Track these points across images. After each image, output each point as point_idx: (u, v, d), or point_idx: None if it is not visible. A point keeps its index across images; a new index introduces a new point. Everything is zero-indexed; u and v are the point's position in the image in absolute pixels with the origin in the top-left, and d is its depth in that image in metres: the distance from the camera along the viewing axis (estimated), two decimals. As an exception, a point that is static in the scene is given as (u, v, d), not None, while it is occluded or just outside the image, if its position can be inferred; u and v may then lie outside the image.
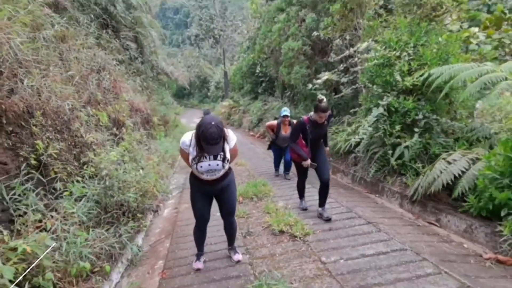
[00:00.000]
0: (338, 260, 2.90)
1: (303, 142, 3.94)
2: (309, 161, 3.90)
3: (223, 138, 2.48)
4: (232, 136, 2.68)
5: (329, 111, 3.73)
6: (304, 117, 3.94)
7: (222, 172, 2.72)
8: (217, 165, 2.62)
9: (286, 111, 5.94)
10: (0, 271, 2.04)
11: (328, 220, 3.83)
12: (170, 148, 8.98)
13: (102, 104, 5.60)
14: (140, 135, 6.82)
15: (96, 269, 2.77)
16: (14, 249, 2.35)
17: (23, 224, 2.67)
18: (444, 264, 2.67)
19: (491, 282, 2.43)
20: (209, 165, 2.61)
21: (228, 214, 3.01)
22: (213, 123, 2.36)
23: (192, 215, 3.01)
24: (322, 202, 4.04)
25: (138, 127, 7.47)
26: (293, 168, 4.90)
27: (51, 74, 4.08)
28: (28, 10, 3.97)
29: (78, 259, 2.57)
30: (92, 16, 7.11)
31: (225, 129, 2.53)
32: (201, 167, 2.61)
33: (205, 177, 2.71)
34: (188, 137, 2.63)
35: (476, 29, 6.54)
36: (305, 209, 4.32)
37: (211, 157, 2.59)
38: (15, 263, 2.25)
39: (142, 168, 5.06)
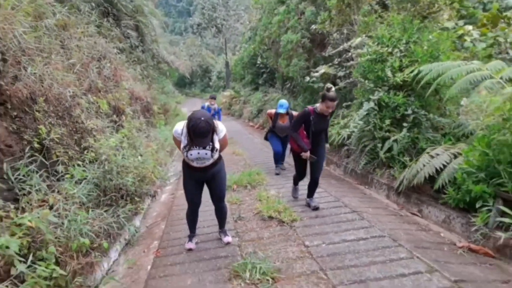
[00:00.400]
0: (320, 244, 3.10)
1: (304, 133, 3.88)
2: (308, 153, 3.81)
3: (212, 131, 2.67)
4: (222, 128, 2.88)
5: (337, 100, 3.62)
6: (310, 107, 3.83)
7: (211, 161, 2.92)
8: (206, 154, 2.82)
9: (282, 107, 5.71)
10: (7, 244, 2.24)
11: (316, 209, 4.00)
12: (170, 136, 9.14)
13: (103, 92, 5.76)
14: (140, 123, 6.99)
15: (95, 246, 2.97)
16: (19, 225, 2.56)
17: (27, 202, 2.86)
18: (418, 250, 2.87)
19: (458, 268, 2.64)
20: (198, 153, 2.81)
21: (218, 199, 3.21)
22: (202, 118, 2.57)
23: (186, 202, 3.21)
24: (310, 194, 4.16)
25: (138, 115, 7.64)
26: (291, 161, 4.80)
27: (53, 62, 4.23)
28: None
29: (78, 235, 2.78)
30: (93, 4, 7.21)
31: (215, 122, 2.73)
32: (191, 155, 2.81)
33: (195, 164, 2.91)
34: (180, 127, 2.83)
35: (470, 27, 6.63)
36: (296, 198, 4.43)
37: (200, 146, 2.78)
38: (20, 237, 2.45)
39: (141, 155, 5.25)
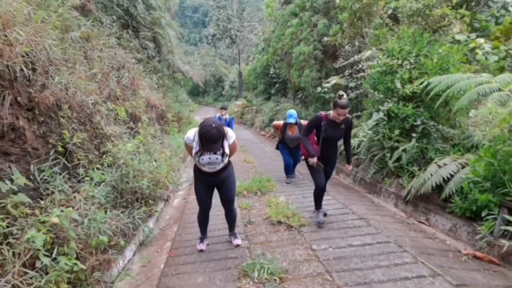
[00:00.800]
0: (327, 248, 3.20)
1: (315, 139, 3.83)
2: (315, 159, 3.71)
3: (222, 137, 2.85)
4: (231, 135, 3.04)
5: (349, 108, 3.55)
6: (322, 112, 3.78)
7: (221, 165, 3.08)
8: (217, 158, 2.98)
9: (291, 117, 5.70)
10: (34, 238, 2.43)
11: (323, 215, 4.03)
12: (183, 143, 9.36)
13: (121, 100, 6.03)
14: (155, 130, 7.24)
15: (112, 244, 3.14)
16: (43, 222, 2.75)
17: (51, 202, 3.06)
18: (423, 256, 2.94)
19: (462, 273, 2.70)
20: (209, 158, 2.97)
21: (227, 203, 3.36)
22: (213, 125, 2.75)
23: (198, 206, 3.38)
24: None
25: (153, 123, 7.90)
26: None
27: (77, 72, 4.50)
28: (58, 13, 4.40)
29: (97, 233, 2.95)
30: (114, 17, 7.57)
31: (225, 128, 2.91)
32: (202, 159, 2.97)
33: (206, 169, 3.07)
34: (192, 133, 3.01)
35: (482, 40, 6.68)
36: (321, 223, 3.80)
37: (211, 152, 2.94)
38: (44, 233, 2.64)
39: (155, 161, 5.47)
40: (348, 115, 3.64)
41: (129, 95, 6.56)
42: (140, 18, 9.10)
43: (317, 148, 3.80)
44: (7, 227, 2.47)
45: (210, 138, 2.75)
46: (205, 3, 46.86)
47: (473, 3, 7.74)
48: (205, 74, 33.06)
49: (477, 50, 6.75)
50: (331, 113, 3.63)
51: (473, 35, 6.99)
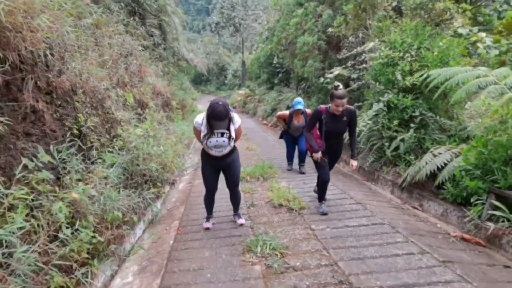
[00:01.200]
0: (325, 228, 3.43)
1: (318, 133, 3.83)
2: (319, 154, 3.71)
3: (229, 118, 3.05)
4: (237, 119, 3.24)
5: (347, 98, 3.52)
6: (322, 106, 3.77)
7: (228, 149, 3.28)
8: (224, 141, 3.18)
9: (300, 104, 5.70)
10: (60, 210, 2.65)
11: (324, 214, 3.84)
12: (187, 130, 9.59)
13: (129, 86, 6.22)
14: (161, 117, 7.44)
15: (125, 219, 3.38)
16: (62, 199, 2.97)
17: (70, 179, 3.29)
18: (414, 236, 3.16)
19: (449, 252, 2.92)
20: (217, 141, 3.17)
21: (233, 185, 3.58)
22: (220, 103, 2.97)
23: (204, 188, 3.61)
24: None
25: (159, 109, 8.10)
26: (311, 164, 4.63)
27: (89, 58, 4.69)
28: (73, 1, 4.55)
29: (112, 209, 3.18)
30: (122, 4, 7.69)
31: (231, 112, 3.10)
32: (210, 142, 3.18)
33: (213, 153, 3.27)
34: (200, 117, 3.22)
35: (483, 34, 6.79)
36: (325, 214, 3.84)
37: (219, 134, 3.14)
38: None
39: (162, 146, 5.68)
40: (350, 107, 3.70)
41: (136, 81, 6.74)
42: (147, 5, 9.21)
43: (321, 143, 3.78)
44: (32, 200, 2.69)
45: (217, 114, 2.93)
46: (209, -10, 46.38)
47: (477, -4, 7.83)
48: (208, 63, 33.02)
49: (478, 44, 6.88)
50: (331, 106, 3.62)
51: (475, 29, 7.09)
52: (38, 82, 3.33)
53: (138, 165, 4.31)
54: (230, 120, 3.13)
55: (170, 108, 9.98)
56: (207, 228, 3.59)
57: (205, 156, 3.46)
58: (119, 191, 3.69)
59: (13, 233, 2.24)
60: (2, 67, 2.70)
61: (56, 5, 3.76)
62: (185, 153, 7.83)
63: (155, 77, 8.44)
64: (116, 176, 3.89)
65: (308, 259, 2.81)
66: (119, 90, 5.45)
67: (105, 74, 5.00)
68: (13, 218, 2.34)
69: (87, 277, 2.51)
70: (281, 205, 4.13)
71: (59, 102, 3.68)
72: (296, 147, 6.24)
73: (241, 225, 3.62)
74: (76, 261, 2.57)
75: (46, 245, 2.57)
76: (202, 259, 2.94)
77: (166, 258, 3.03)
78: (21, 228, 2.32)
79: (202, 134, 3.23)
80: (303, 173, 6.01)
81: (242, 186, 4.90)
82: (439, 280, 2.39)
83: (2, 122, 2.62)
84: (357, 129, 5.89)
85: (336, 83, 3.59)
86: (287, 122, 5.99)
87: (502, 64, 6.43)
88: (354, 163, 3.88)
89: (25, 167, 2.67)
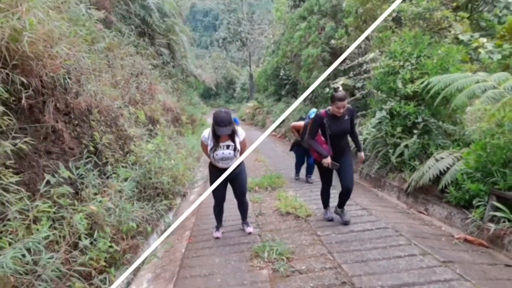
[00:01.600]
0: (330, 234, 3.55)
1: (322, 139, 3.73)
2: (329, 159, 3.60)
3: (232, 129, 3.25)
4: (241, 132, 3.45)
5: (347, 99, 3.51)
6: (322, 110, 3.73)
7: (234, 161, 3.46)
8: (229, 153, 3.37)
9: (314, 113, 5.84)
10: (80, 221, 2.86)
11: (346, 224, 3.79)
12: (197, 144, 9.82)
13: (140, 104, 6.52)
14: (171, 132, 7.70)
15: (139, 230, 3.57)
16: (80, 211, 3.19)
17: (87, 194, 3.51)
18: (417, 239, 3.26)
19: (450, 253, 3.01)
20: (223, 153, 3.36)
21: (240, 195, 3.75)
22: (223, 110, 3.20)
23: (213, 199, 3.79)
24: (340, 204, 3.92)
25: (169, 125, 8.38)
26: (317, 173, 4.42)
27: (103, 79, 4.99)
28: (86, 27, 4.88)
29: (127, 221, 3.38)
30: (132, 26, 8.09)
31: (236, 127, 3.32)
32: (217, 155, 3.37)
33: (220, 165, 3.46)
34: (207, 132, 3.43)
35: (484, 40, 6.89)
36: (330, 220, 3.95)
37: (225, 147, 3.33)
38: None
39: (173, 160, 5.90)
40: (348, 105, 3.65)
41: (147, 99, 7.04)
42: (155, 26, 9.62)
43: (327, 148, 3.67)
44: (54, 213, 2.91)
45: (220, 120, 3.14)
46: (215, 6, 47.54)
47: (479, 3, 7.95)
48: (216, 77, 33.68)
49: (480, 49, 6.98)
50: (330, 108, 3.58)
51: (476, 35, 7.20)
52: (58, 104, 3.60)
53: (150, 178, 4.53)
54: (234, 132, 3.32)
55: (180, 123, 10.27)
56: (217, 237, 3.74)
57: (213, 168, 3.64)
58: (133, 204, 3.89)
59: (39, 242, 2.45)
60: (27, 92, 2.96)
61: (72, 33, 4.06)
62: (196, 166, 8.05)
63: (165, 94, 8.76)
64: (130, 189, 4.10)
65: (313, 262, 2.94)
66: (131, 108, 5.73)
67: (118, 93, 5.29)
68: (37, 230, 2.55)
69: (105, 284, 2.69)
70: (288, 213, 4.26)
71: (76, 122, 3.95)
72: (305, 158, 6.25)
73: (249, 233, 3.77)
74: (95, 269, 2.76)
75: (68, 253, 2.77)
76: (212, 266, 3.10)
77: (178, 265, 3.19)
78: (45, 237, 2.52)
79: (208, 148, 3.43)
80: (310, 183, 6.12)
81: (250, 196, 5.06)
82: (439, 279, 2.49)
83: (26, 142, 2.86)
84: (362, 138, 6.03)
85: (336, 85, 3.66)
86: (301, 133, 5.79)
87: (506, 68, 6.51)
88: (361, 154, 3.92)
89: (48, 182, 2.90)
